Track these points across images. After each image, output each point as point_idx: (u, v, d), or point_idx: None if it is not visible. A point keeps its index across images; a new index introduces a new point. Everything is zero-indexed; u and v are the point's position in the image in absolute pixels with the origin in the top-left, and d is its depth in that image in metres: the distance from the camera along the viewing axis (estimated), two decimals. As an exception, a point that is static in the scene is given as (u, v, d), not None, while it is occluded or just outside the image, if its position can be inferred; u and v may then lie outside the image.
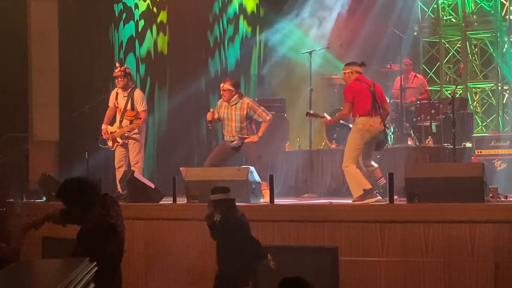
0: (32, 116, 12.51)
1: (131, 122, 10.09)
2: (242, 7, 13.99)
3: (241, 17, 13.95)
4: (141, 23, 12.69)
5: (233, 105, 9.66)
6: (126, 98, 10.12)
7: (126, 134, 10.06)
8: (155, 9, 12.88)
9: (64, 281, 3.34)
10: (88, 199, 5.31)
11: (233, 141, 9.74)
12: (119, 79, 10.10)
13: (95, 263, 4.00)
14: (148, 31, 12.78)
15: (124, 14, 12.54)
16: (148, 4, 12.81)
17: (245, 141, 9.69)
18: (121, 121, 10.14)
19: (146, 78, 12.57)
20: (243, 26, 13.94)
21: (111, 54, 12.27)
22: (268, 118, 9.73)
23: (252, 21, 14.06)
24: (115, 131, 10.14)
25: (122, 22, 12.52)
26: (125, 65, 10.71)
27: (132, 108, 10.10)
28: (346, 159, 8.76)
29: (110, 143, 10.22)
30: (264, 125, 9.74)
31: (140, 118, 10.05)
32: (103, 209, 5.26)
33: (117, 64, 10.43)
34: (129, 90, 10.15)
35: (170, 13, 12.96)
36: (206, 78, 13.22)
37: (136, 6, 12.71)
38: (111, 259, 5.12)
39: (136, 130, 10.05)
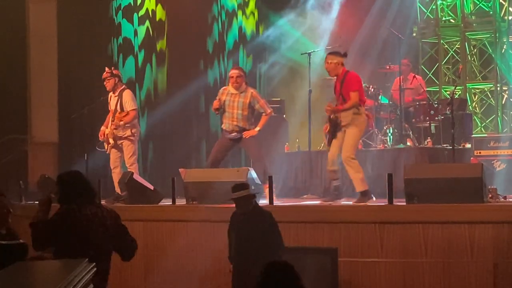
0: (31, 118, 12.50)
1: None
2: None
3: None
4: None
5: (238, 93, 9.62)
6: (116, 98, 10.11)
7: (119, 135, 10.02)
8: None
9: (63, 281, 3.34)
10: (65, 195, 5.35)
11: (232, 132, 9.67)
12: (106, 81, 10.08)
13: (94, 263, 4.00)
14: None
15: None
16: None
17: (244, 135, 9.61)
18: (113, 122, 10.12)
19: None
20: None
21: (111, 54, 12.24)
22: (269, 111, 9.73)
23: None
24: (109, 132, 10.13)
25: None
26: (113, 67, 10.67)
27: (122, 109, 10.08)
28: (351, 150, 8.56)
29: (106, 146, 10.20)
30: (264, 118, 9.71)
31: (126, 117, 9.99)
32: (76, 209, 5.29)
33: (106, 68, 10.35)
34: (119, 91, 10.12)
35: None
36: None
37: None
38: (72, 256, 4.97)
39: (129, 132, 10.00)
